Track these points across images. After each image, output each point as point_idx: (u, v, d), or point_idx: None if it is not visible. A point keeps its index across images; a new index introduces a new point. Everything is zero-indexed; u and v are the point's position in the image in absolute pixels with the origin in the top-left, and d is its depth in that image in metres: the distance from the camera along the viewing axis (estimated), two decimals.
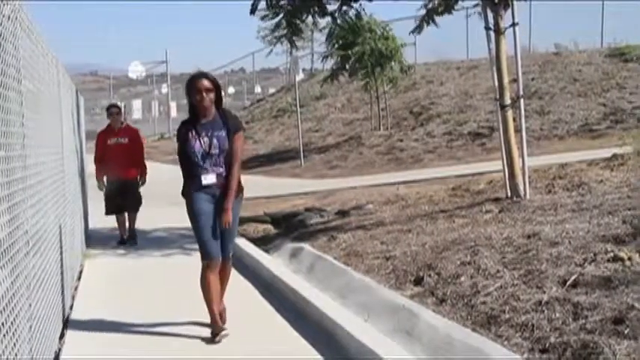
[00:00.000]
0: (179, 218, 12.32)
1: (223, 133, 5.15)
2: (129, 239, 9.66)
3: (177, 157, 5.36)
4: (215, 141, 5.13)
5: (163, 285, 7.20)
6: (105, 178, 9.57)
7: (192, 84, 5.16)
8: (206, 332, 5.25)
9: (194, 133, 5.15)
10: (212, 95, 5.17)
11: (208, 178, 5.13)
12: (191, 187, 5.18)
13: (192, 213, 5.21)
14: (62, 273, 5.68)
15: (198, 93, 5.13)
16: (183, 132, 5.20)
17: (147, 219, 10.29)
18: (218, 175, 5.15)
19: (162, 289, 7.02)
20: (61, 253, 5.70)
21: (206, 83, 5.15)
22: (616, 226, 6.08)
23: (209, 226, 5.15)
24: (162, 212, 11.53)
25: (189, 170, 5.18)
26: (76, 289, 6.99)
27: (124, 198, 9.54)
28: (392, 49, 20.61)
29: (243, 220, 10.93)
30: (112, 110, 9.82)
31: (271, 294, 6.58)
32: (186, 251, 9.03)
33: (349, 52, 20.43)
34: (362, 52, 20.32)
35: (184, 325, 5.56)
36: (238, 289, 6.95)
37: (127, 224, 9.73)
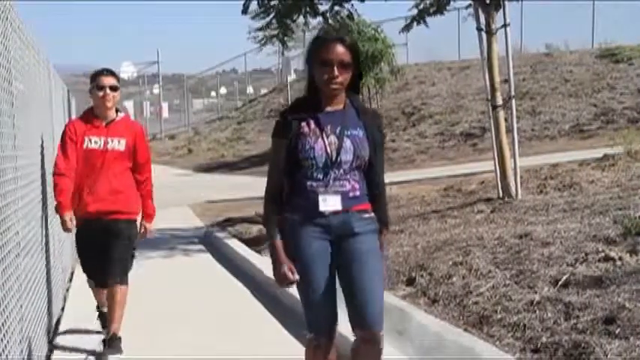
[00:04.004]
0: (170, 218, 12.38)
1: (360, 133, 3.25)
2: (108, 340, 4.96)
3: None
4: (348, 143, 3.22)
5: (155, 285, 7.18)
6: (71, 216, 4.92)
7: (319, 49, 3.22)
8: (199, 331, 5.24)
9: (313, 125, 3.24)
10: (347, 75, 3.22)
11: (329, 202, 3.21)
12: (294, 212, 3.26)
13: (298, 261, 3.23)
14: (54, 274, 5.66)
15: (324, 65, 3.18)
16: (294, 121, 3.24)
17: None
18: (344, 196, 3.23)
19: (153, 289, 7.00)
20: (53, 255, 5.68)
21: (341, 52, 3.18)
22: (607, 226, 6.10)
23: (324, 281, 3.23)
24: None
25: (296, 184, 3.26)
26: (67, 290, 6.97)
27: (105, 256, 4.94)
28: (380, 50, 20.61)
29: (235, 221, 10.94)
30: (102, 82, 4.95)
31: (263, 294, 6.57)
32: (179, 252, 9.04)
33: None
34: None
35: (175, 325, 5.55)
36: (229, 289, 6.95)
37: (108, 313, 5.07)
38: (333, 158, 3.20)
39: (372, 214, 3.31)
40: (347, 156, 3.21)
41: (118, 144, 4.99)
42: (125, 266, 5.02)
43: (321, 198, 3.20)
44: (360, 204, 3.27)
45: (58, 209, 4.92)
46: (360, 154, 3.22)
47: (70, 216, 4.90)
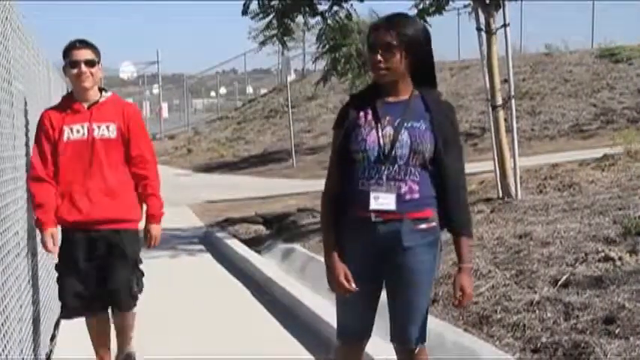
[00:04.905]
0: (170, 218, 12.35)
1: (423, 126, 2.91)
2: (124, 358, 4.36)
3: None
4: (405, 135, 2.88)
5: (154, 285, 7.17)
6: (52, 233, 4.00)
7: (369, 35, 2.98)
8: (199, 332, 5.24)
9: (370, 117, 2.95)
10: (394, 58, 2.89)
11: (382, 200, 2.87)
12: (342, 218, 2.99)
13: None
14: (53, 274, 5.65)
15: (370, 51, 2.93)
16: (351, 112, 2.99)
17: None
18: (399, 198, 2.87)
19: (152, 289, 7.00)
20: (53, 254, 5.67)
21: (385, 35, 2.89)
22: (607, 226, 6.10)
23: (364, 296, 2.99)
24: None
25: (347, 184, 2.95)
26: None
27: (106, 279, 4.07)
28: None
29: (235, 221, 10.94)
30: (75, 56, 3.96)
31: (263, 295, 6.58)
32: (179, 252, 9.03)
33: (336, 54, 20.40)
34: (349, 55, 20.27)
35: (174, 325, 5.55)
36: (229, 289, 6.95)
37: (119, 337, 4.38)
38: (387, 151, 2.86)
39: (433, 224, 2.93)
40: (402, 150, 2.86)
41: (107, 130, 3.98)
42: (133, 288, 4.21)
43: (372, 195, 2.86)
44: (417, 211, 2.89)
45: (38, 226, 4.02)
46: (418, 149, 2.86)
47: (51, 233, 3.97)
